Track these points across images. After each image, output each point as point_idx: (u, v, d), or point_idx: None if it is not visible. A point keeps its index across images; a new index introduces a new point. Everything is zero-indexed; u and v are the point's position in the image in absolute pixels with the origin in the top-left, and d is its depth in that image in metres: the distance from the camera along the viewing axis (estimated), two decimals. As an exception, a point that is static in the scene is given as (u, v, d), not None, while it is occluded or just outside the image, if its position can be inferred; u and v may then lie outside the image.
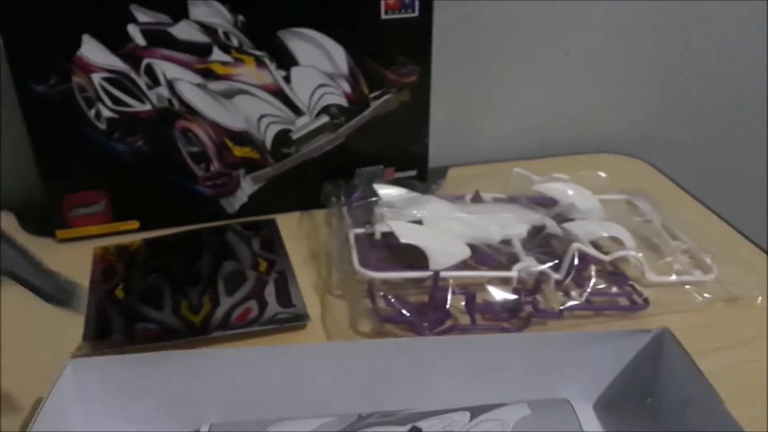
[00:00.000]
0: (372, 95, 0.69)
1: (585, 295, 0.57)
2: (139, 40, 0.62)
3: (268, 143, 0.68)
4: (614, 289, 0.58)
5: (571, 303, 0.56)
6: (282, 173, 0.70)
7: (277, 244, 0.65)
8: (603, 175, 0.76)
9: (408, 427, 0.43)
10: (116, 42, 0.62)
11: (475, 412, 0.44)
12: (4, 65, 0.60)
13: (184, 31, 0.62)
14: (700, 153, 0.93)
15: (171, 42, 0.63)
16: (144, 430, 0.45)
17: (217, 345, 0.53)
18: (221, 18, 0.63)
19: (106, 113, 0.64)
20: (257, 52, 0.65)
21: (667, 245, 0.63)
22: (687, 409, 0.44)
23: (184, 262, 0.61)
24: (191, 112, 0.65)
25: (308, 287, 0.60)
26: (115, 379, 0.44)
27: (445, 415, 0.44)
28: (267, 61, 0.65)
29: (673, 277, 0.60)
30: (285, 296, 0.58)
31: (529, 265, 0.57)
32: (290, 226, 0.69)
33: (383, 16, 0.66)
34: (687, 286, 0.59)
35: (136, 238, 0.67)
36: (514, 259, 0.58)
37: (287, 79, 0.66)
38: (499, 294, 0.56)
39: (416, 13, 0.66)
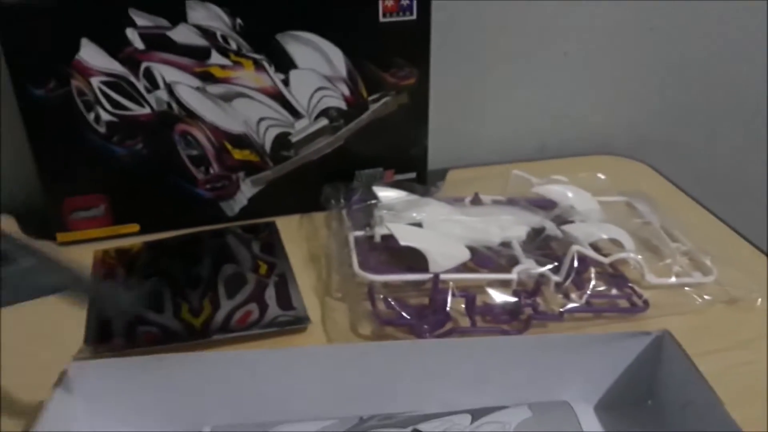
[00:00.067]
0: (371, 98, 0.69)
1: (585, 297, 0.57)
2: (138, 43, 0.62)
3: (268, 146, 0.68)
4: (614, 291, 0.58)
5: (571, 305, 0.56)
6: (281, 176, 0.70)
7: (277, 247, 0.65)
8: (602, 177, 0.76)
9: (409, 429, 0.43)
10: (115, 46, 0.62)
11: (476, 414, 0.44)
12: (4, 69, 0.60)
13: (182, 34, 0.63)
14: (700, 153, 0.93)
15: (170, 46, 0.63)
16: (145, 432, 0.45)
17: (218, 348, 0.53)
18: (220, 21, 0.63)
19: (105, 117, 0.64)
20: (256, 56, 0.65)
21: (667, 247, 0.64)
22: (687, 410, 0.44)
23: (185, 265, 0.62)
24: (190, 115, 0.65)
25: (308, 290, 0.60)
26: (116, 382, 0.44)
27: (446, 418, 0.44)
28: (266, 64, 0.65)
29: (673, 279, 0.60)
30: (285, 299, 0.58)
31: (528, 267, 0.57)
32: (290, 228, 0.69)
33: (381, 19, 0.66)
34: (687, 288, 0.59)
35: (137, 241, 0.67)
36: (513, 262, 0.59)
37: (286, 82, 0.66)
38: (499, 296, 0.56)
39: (414, 16, 0.66)
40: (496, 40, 0.80)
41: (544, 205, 0.67)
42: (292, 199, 0.71)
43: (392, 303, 0.55)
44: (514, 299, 0.56)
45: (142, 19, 0.61)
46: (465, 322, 0.55)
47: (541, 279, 0.57)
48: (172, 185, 0.68)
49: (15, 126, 0.63)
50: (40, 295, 0.41)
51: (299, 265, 0.63)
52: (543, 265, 0.58)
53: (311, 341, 0.54)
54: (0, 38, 0.59)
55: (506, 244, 0.61)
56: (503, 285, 0.57)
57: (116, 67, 0.62)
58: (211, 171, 0.68)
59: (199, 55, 0.64)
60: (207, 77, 0.64)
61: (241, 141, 0.67)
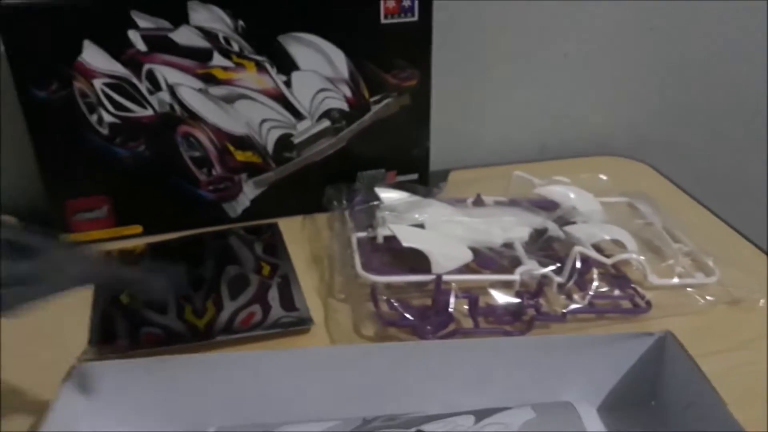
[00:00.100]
0: (372, 99, 0.69)
1: (587, 298, 0.57)
2: (140, 45, 0.62)
3: (270, 147, 0.68)
4: (616, 292, 0.59)
5: (573, 306, 0.56)
6: (284, 177, 0.70)
7: (280, 248, 0.65)
8: (604, 177, 0.76)
9: (412, 430, 0.43)
10: (117, 48, 0.62)
11: (480, 415, 0.44)
12: (6, 71, 0.61)
13: (184, 36, 0.63)
14: (700, 154, 0.93)
15: (172, 47, 0.63)
16: (148, 433, 0.45)
17: (222, 349, 0.53)
18: (221, 23, 0.63)
19: (107, 118, 0.64)
20: (258, 57, 0.65)
21: (669, 248, 0.64)
22: (690, 411, 0.44)
23: (188, 266, 0.62)
24: (193, 116, 0.65)
25: (311, 291, 0.60)
26: (120, 384, 0.45)
27: (449, 419, 0.44)
28: (268, 65, 0.65)
29: (675, 280, 0.60)
30: (288, 300, 0.58)
31: (531, 268, 0.57)
32: (292, 230, 0.69)
33: (383, 21, 0.66)
34: (689, 289, 0.60)
35: (140, 242, 0.67)
36: (516, 263, 0.59)
37: (288, 83, 0.66)
38: (501, 297, 0.56)
39: (416, 18, 0.66)
40: (496, 40, 0.80)
41: (546, 206, 0.67)
42: (294, 200, 0.71)
43: (395, 304, 0.55)
44: (516, 300, 0.56)
45: (144, 21, 0.61)
46: (468, 323, 0.55)
47: (544, 280, 0.57)
48: (174, 187, 0.68)
49: (17, 127, 0.63)
50: (72, 286, 0.41)
51: (302, 267, 0.63)
52: (545, 266, 0.58)
53: (314, 342, 0.55)
54: (3, 40, 0.59)
55: (509, 245, 0.61)
56: (506, 286, 0.57)
57: (118, 68, 0.62)
58: (214, 172, 0.68)
59: (201, 56, 0.64)
60: (209, 79, 0.64)
61: (244, 142, 0.68)
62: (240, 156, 0.68)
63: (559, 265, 0.58)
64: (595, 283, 0.58)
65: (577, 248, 0.58)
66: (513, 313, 0.56)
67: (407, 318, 0.54)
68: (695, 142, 0.93)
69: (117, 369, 0.45)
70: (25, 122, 0.63)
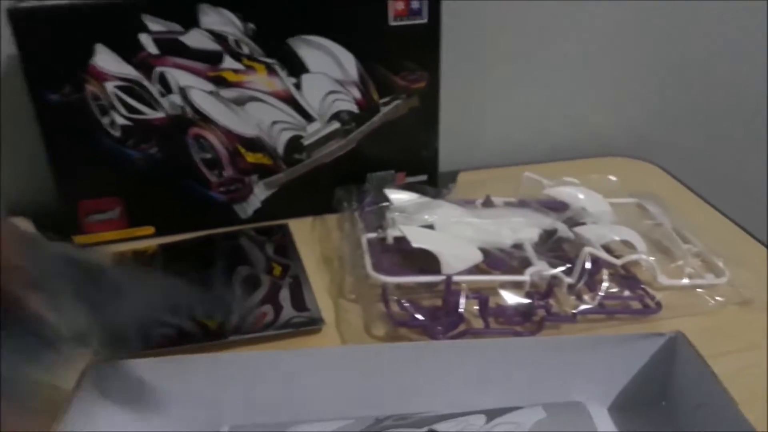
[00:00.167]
0: (382, 101, 0.69)
1: (597, 298, 0.57)
2: (152, 48, 0.63)
3: (280, 149, 0.69)
4: (626, 293, 0.59)
5: (583, 307, 0.56)
6: (294, 179, 0.70)
7: (291, 249, 0.65)
8: (613, 178, 0.76)
9: (424, 429, 0.43)
10: (129, 51, 0.62)
11: (491, 415, 0.44)
12: (20, 74, 0.61)
13: (195, 39, 0.63)
14: (700, 154, 0.93)
15: (183, 50, 0.63)
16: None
17: (234, 349, 0.53)
18: (232, 26, 0.63)
19: (119, 121, 0.64)
20: (268, 60, 0.65)
21: (679, 248, 0.64)
22: (701, 411, 0.44)
23: (200, 267, 0.62)
24: (204, 119, 0.66)
25: (322, 291, 0.60)
26: (134, 383, 0.45)
27: (461, 418, 0.44)
28: (278, 68, 0.66)
29: (685, 281, 0.60)
30: (299, 300, 0.58)
31: (541, 269, 0.58)
32: (303, 230, 0.69)
33: (391, 23, 0.66)
34: (699, 290, 0.60)
35: (152, 243, 0.67)
36: (526, 264, 0.59)
37: (298, 86, 0.67)
38: (511, 298, 0.56)
39: (425, 20, 0.67)
40: (496, 41, 0.80)
41: (556, 206, 0.67)
42: (304, 201, 0.71)
43: (406, 304, 0.55)
44: (527, 301, 0.56)
45: (155, 25, 0.62)
46: (478, 323, 0.56)
47: (554, 281, 0.57)
48: (186, 188, 0.68)
49: (30, 130, 0.64)
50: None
51: (312, 267, 0.63)
52: (555, 266, 0.58)
53: (326, 342, 0.55)
54: (16, 43, 0.60)
55: (518, 246, 0.61)
56: (516, 287, 0.57)
57: (130, 71, 0.63)
58: (225, 174, 0.69)
59: (212, 59, 0.64)
60: (220, 81, 0.65)
61: (254, 144, 0.68)
62: (250, 158, 0.68)
63: (569, 265, 0.58)
64: (605, 284, 0.58)
65: (587, 249, 0.58)
66: (523, 313, 0.56)
67: (418, 318, 0.54)
68: (695, 142, 0.93)
69: (130, 369, 0.45)
70: (38, 124, 0.63)
